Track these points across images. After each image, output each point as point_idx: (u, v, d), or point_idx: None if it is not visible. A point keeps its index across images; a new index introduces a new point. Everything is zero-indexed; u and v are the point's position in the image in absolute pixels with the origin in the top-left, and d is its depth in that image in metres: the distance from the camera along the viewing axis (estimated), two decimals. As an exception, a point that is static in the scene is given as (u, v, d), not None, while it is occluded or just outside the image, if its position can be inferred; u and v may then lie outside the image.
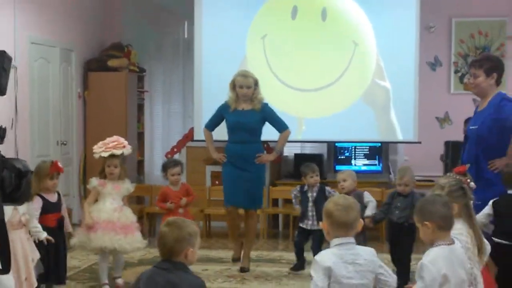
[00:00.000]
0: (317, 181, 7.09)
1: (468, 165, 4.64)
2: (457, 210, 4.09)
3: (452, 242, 3.71)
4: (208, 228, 9.35)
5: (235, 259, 7.30)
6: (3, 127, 3.25)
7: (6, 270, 3.02)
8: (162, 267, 3.41)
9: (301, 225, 7.15)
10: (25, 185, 2.98)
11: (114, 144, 6.28)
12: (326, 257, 3.44)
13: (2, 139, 3.22)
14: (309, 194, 7.08)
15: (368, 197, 6.57)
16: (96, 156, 6.33)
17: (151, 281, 3.38)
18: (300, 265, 7.10)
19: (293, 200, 7.31)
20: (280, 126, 7.22)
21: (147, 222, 9.14)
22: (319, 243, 6.90)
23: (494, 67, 5.76)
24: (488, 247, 4.32)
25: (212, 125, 7.36)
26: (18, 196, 2.96)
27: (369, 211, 6.46)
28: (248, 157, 7.07)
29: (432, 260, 3.57)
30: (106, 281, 6.35)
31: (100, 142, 6.37)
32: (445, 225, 3.67)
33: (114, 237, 6.15)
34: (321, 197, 6.95)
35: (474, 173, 5.42)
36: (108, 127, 9.36)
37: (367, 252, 3.53)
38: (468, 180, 4.30)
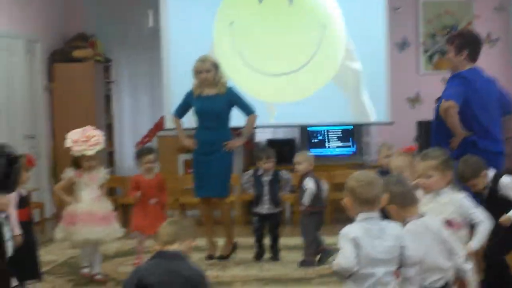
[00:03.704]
0: (271, 167, 6.93)
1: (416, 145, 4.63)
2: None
3: (420, 216, 3.70)
4: (184, 217, 9.25)
5: (209, 257, 7.04)
6: None
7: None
8: (160, 257, 3.38)
9: (256, 210, 6.98)
10: (16, 172, 2.81)
11: (96, 140, 6.13)
12: (352, 229, 3.36)
13: None
14: (264, 178, 6.93)
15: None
16: (79, 154, 6.12)
17: (151, 271, 3.33)
18: (261, 253, 6.99)
19: (245, 185, 7.12)
20: (247, 109, 7.04)
21: (121, 213, 8.98)
22: (277, 226, 6.95)
23: (464, 43, 5.72)
24: None
25: (180, 112, 7.20)
26: (10, 184, 2.79)
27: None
28: (214, 144, 6.89)
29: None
30: (87, 264, 6.29)
31: (74, 137, 6.14)
32: (404, 202, 3.69)
33: (94, 228, 6.04)
34: (276, 180, 6.92)
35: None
36: (76, 119, 9.18)
37: (393, 227, 3.45)
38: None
